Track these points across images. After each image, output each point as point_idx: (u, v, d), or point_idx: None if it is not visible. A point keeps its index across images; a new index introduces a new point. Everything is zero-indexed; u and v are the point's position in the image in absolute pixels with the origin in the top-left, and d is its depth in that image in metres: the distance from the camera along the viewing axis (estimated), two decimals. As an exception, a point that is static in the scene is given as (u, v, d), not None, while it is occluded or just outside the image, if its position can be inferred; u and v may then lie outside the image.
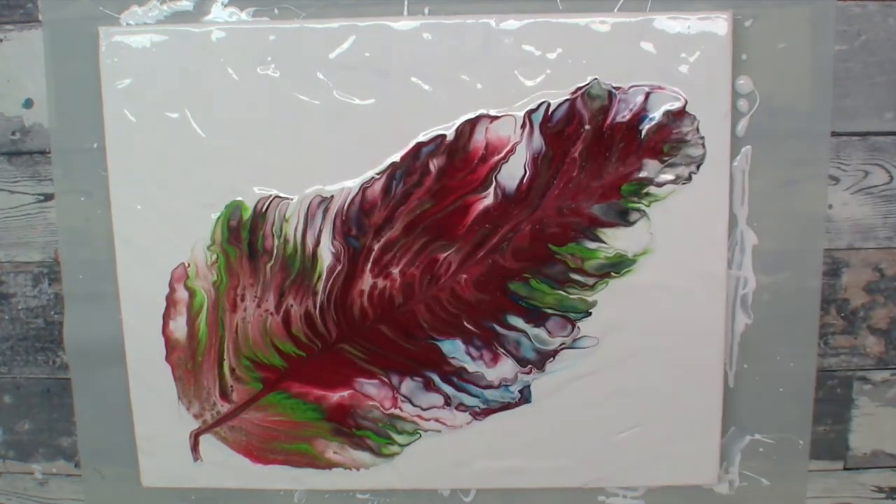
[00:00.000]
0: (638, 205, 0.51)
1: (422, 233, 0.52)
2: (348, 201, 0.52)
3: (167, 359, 0.55)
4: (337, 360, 0.54)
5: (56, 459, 0.61)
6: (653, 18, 0.50)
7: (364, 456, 0.56)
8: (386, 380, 0.54)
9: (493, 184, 0.51)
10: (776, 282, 0.53)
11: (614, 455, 0.55)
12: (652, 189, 0.51)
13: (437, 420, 0.54)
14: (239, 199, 0.53)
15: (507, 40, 0.50)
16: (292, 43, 0.51)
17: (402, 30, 0.51)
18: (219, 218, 0.53)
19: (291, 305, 0.53)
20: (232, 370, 0.55)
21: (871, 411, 0.57)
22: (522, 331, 0.53)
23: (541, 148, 0.51)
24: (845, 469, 0.59)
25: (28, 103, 0.56)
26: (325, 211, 0.52)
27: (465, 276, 0.53)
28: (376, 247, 0.52)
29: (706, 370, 0.54)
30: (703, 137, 0.50)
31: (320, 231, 0.53)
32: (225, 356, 0.54)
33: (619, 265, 0.52)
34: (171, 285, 0.54)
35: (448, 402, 0.54)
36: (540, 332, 0.53)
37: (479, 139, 0.51)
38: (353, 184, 0.52)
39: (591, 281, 0.52)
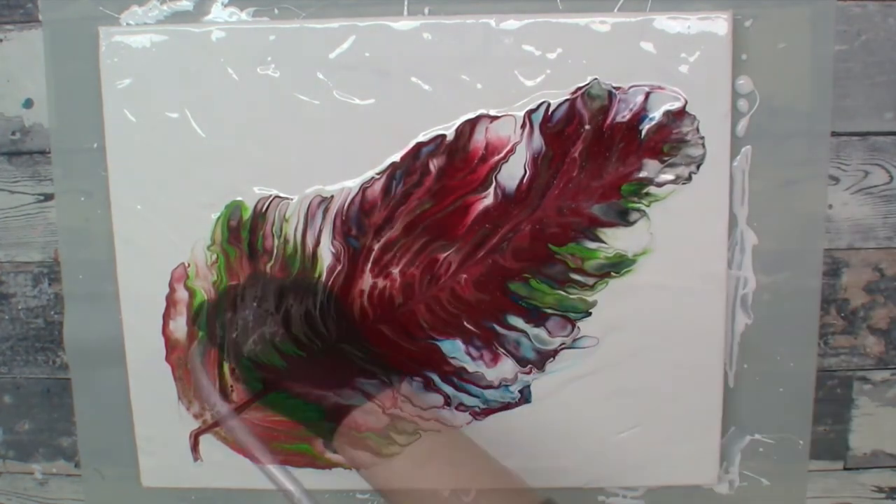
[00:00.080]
0: (638, 205, 0.51)
1: (422, 233, 0.52)
2: (348, 201, 0.52)
3: (167, 359, 0.55)
4: (337, 360, 0.54)
5: (56, 459, 0.61)
6: (653, 18, 0.50)
7: (364, 456, 0.55)
8: (386, 380, 0.54)
9: (493, 184, 0.51)
10: (776, 282, 0.53)
11: (614, 455, 0.55)
12: (652, 189, 0.51)
13: (437, 420, 0.54)
14: (239, 199, 0.53)
15: (507, 40, 0.50)
16: (292, 43, 0.51)
17: (402, 30, 0.51)
18: (219, 218, 0.53)
19: (291, 305, 0.53)
20: (232, 370, 0.55)
21: (871, 411, 0.57)
22: (522, 331, 0.53)
23: (541, 148, 0.51)
24: (845, 469, 0.59)
25: (28, 103, 0.56)
26: (325, 211, 0.52)
27: (465, 276, 0.52)
28: (376, 247, 0.52)
29: (706, 370, 0.54)
30: (703, 137, 0.50)
31: (320, 231, 0.52)
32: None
33: (619, 265, 0.52)
34: (171, 285, 0.54)
35: (448, 402, 0.54)
36: (540, 332, 0.53)
37: (479, 139, 0.51)
38: (353, 184, 0.52)
39: (591, 281, 0.52)
